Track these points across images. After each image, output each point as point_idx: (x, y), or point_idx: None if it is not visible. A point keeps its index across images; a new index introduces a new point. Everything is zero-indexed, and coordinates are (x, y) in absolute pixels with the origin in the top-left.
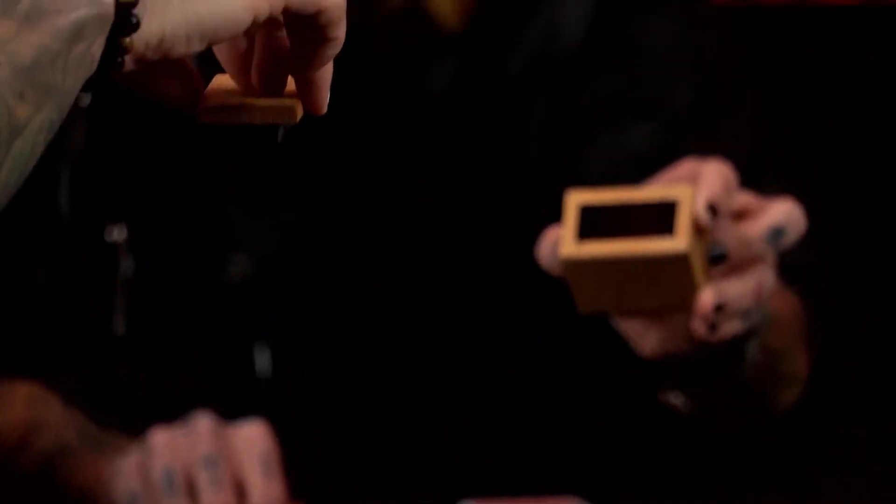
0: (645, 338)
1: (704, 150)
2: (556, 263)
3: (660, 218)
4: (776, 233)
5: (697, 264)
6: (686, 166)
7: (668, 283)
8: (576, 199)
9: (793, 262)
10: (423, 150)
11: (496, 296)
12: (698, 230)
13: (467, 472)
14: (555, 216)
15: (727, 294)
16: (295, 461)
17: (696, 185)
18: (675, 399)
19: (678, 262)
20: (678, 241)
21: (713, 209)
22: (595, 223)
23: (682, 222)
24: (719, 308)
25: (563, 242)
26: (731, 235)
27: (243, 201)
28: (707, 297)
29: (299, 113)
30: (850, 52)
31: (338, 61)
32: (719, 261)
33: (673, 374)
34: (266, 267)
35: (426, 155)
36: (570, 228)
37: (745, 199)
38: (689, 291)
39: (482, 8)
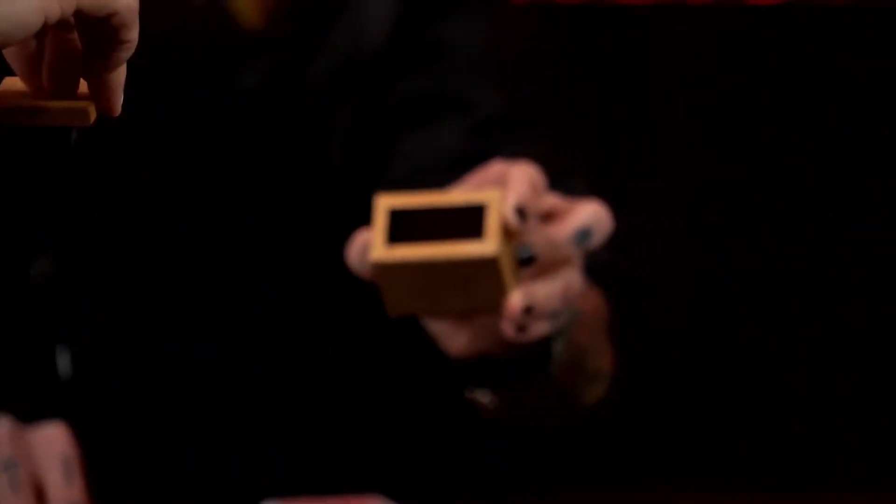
0: (454, 338)
1: (512, 151)
2: (365, 267)
3: (469, 221)
4: (583, 234)
5: (506, 267)
6: (494, 168)
7: (478, 286)
8: (385, 203)
9: (598, 261)
10: (228, 152)
11: (302, 299)
12: (507, 233)
13: (269, 472)
14: (363, 219)
15: (536, 296)
16: (95, 464)
17: (505, 188)
18: (483, 397)
19: (487, 266)
20: (487, 245)
21: (521, 212)
22: (405, 227)
23: (491, 225)
24: (528, 310)
25: (372, 246)
26: (539, 237)
27: (43, 203)
28: (516, 299)
29: (93, 115)
30: (656, 49)
31: (136, 61)
32: (528, 263)
33: (481, 373)
34: (67, 269)
35: (230, 157)
36: (380, 232)
37: (552, 200)
38: (498, 294)
39: (286, 8)
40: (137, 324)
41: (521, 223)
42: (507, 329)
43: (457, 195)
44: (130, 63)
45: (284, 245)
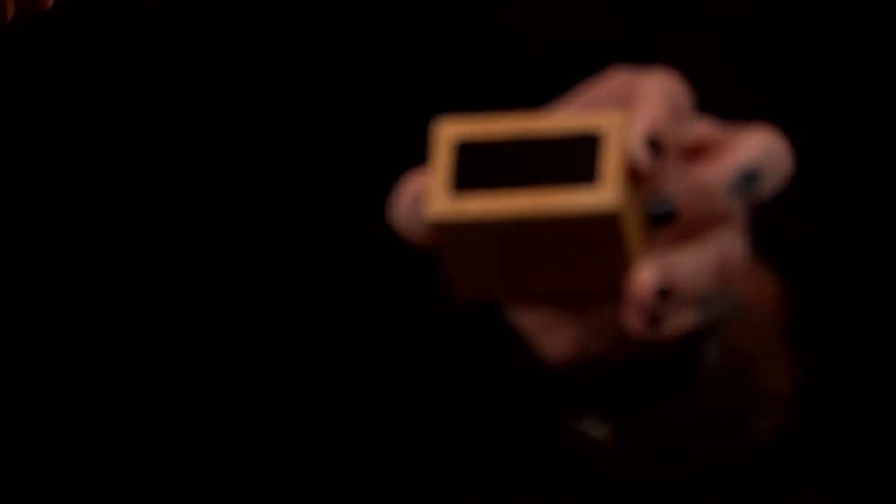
0: (552, 336)
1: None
2: (419, 227)
3: (575, 159)
4: (747, 178)
5: (631, 227)
6: (615, 80)
7: (586, 256)
8: (450, 132)
9: (773, 228)
10: (228, 151)
11: (301, 296)
12: (633, 177)
13: (268, 473)
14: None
15: (675, 271)
16: (93, 463)
17: (631, 109)
18: (594, 429)
19: (604, 224)
20: (603, 193)
21: (655, 145)
22: (479, 168)
23: (609, 165)
24: (664, 292)
25: (431, 196)
26: (681, 183)
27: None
28: (646, 276)
29: (10, 12)
30: None
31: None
32: (664, 221)
33: (592, 389)
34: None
35: (230, 155)
36: (442, 175)
37: (702, 128)
38: (619, 268)
39: None
40: (135, 322)
41: (653, 161)
42: (633, 320)
43: (557, 120)
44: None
45: (284, 242)
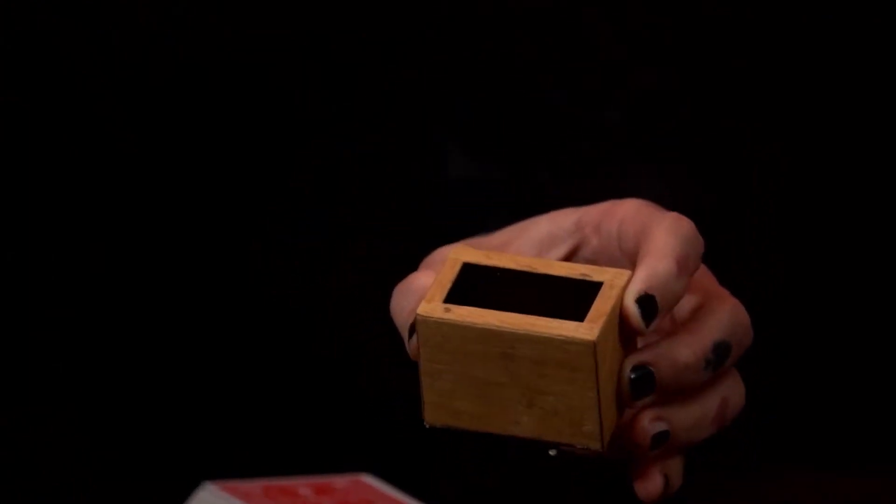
0: None
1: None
2: (407, 320)
3: (570, 300)
4: (718, 354)
5: (605, 375)
6: (633, 215)
7: (556, 397)
8: (459, 255)
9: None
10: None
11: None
12: (621, 332)
13: (262, 454)
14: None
15: (675, 423)
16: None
17: (639, 259)
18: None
19: (577, 356)
20: (584, 327)
21: (648, 304)
22: (478, 287)
23: (600, 310)
24: (661, 439)
25: (426, 297)
26: (659, 354)
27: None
28: (645, 425)
29: None
30: None
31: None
32: (642, 392)
33: None
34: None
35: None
36: (442, 284)
37: (703, 282)
38: (583, 418)
39: None
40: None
41: (643, 324)
42: (649, 486)
43: (565, 266)
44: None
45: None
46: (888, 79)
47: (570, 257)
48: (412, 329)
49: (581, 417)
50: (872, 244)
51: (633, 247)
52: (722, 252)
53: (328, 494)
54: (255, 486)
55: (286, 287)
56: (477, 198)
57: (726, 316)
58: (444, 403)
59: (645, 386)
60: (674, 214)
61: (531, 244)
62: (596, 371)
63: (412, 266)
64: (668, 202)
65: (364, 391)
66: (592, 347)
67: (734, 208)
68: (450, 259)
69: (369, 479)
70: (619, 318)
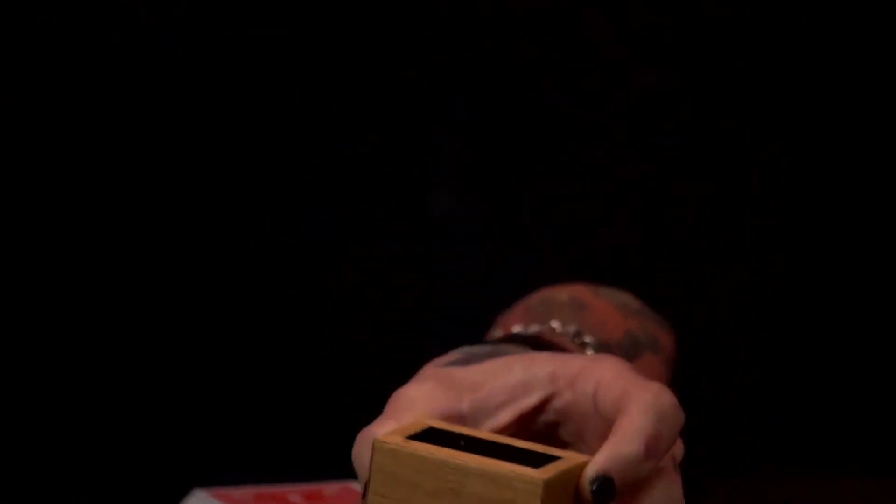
0: None
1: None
2: (365, 461)
3: (527, 461)
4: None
5: None
6: (613, 383)
7: None
8: (426, 420)
9: None
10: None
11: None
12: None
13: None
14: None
15: None
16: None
17: (612, 432)
18: None
19: (525, 500)
20: (536, 471)
21: (608, 486)
22: (439, 437)
23: (556, 467)
24: None
25: (386, 433)
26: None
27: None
28: None
29: None
30: None
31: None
32: (603, 498)
33: None
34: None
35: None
36: (402, 430)
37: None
38: None
39: None
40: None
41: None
42: None
43: (525, 442)
44: None
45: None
46: (888, 79)
47: (541, 406)
48: (365, 489)
49: None
50: (872, 244)
51: (611, 411)
52: (722, 252)
53: (318, 501)
54: (246, 492)
55: (286, 287)
56: (476, 198)
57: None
58: None
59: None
60: (655, 388)
61: (504, 389)
62: None
63: (412, 266)
64: (668, 202)
65: (362, 392)
66: (541, 486)
67: (734, 208)
68: (415, 420)
69: (359, 487)
70: (575, 490)
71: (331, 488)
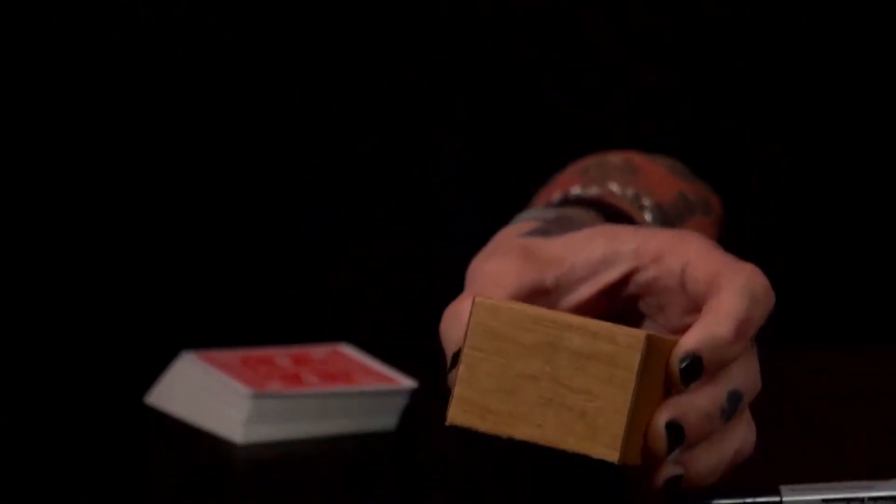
0: None
1: None
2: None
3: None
4: (732, 400)
5: (639, 397)
6: (707, 264)
7: (591, 394)
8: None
9: None
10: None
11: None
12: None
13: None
14: None
15: (691, 468)
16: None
17: (704, 312)
18: None
19: (624, 355)
20: (637, 330)
21: (696, 365)
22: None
23: (656, 334)
24: (676, 481)
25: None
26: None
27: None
28: (663, 471)
29: None
30: None
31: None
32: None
33: None
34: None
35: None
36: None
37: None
38: (611, 419)
39: None
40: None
41: (683, 384)
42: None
43: (595, 323)
44: None
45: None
46: (888, 79)
47: (624, 280)
48: (455, 359)
49: (606, 422)
50: (872, 244)
51: (701, 290)
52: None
53: (306, 364)
54: (233, 355)
55: (286, 287)
56: (476, 198)
57: (742, 364)
58: (473, 399)
59: (677, 435)
60: (748, 270)
61: (587, 264)
62: (637, 374)
63: (412, 266)
64: None
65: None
66: (643, 340)
67: (734, 208)
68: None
69: (347, 349)
70: (665, 366)
71: (318, 351)
